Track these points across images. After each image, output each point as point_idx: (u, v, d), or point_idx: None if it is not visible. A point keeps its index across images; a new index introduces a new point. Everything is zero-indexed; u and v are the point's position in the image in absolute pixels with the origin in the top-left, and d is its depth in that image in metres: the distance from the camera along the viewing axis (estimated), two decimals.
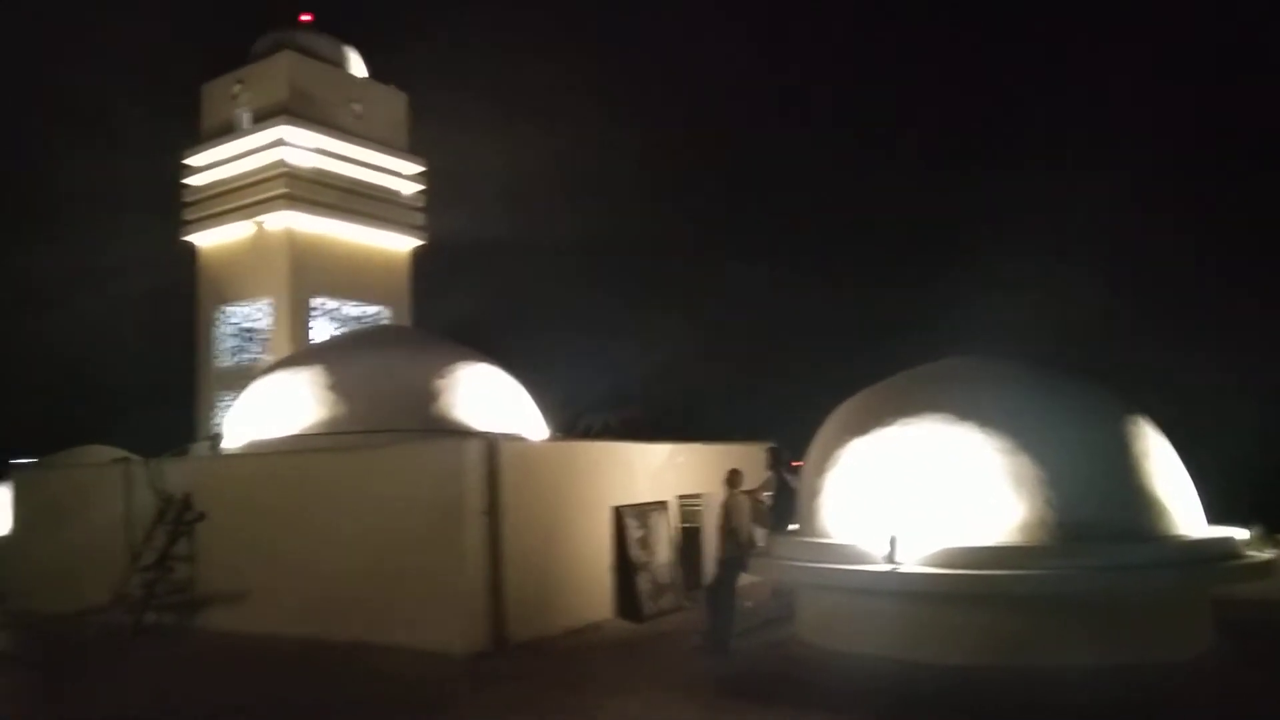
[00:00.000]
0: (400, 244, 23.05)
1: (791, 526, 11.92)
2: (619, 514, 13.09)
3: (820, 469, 10.97)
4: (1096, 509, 9.57)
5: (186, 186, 22.41)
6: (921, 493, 9.87)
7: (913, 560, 9.47)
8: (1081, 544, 9.33)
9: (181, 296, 23.11)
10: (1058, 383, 10.95)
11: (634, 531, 13.17)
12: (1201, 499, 10.64)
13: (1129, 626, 9.23)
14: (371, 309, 22.30)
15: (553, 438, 16.05)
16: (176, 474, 14.16)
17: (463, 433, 13.32)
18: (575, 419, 16.83)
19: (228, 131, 21.75)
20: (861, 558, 9.78)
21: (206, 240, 22.26)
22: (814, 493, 11.01)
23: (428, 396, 14.73)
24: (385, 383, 14.84)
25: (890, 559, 9.48)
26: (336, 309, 21.58)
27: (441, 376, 15.13)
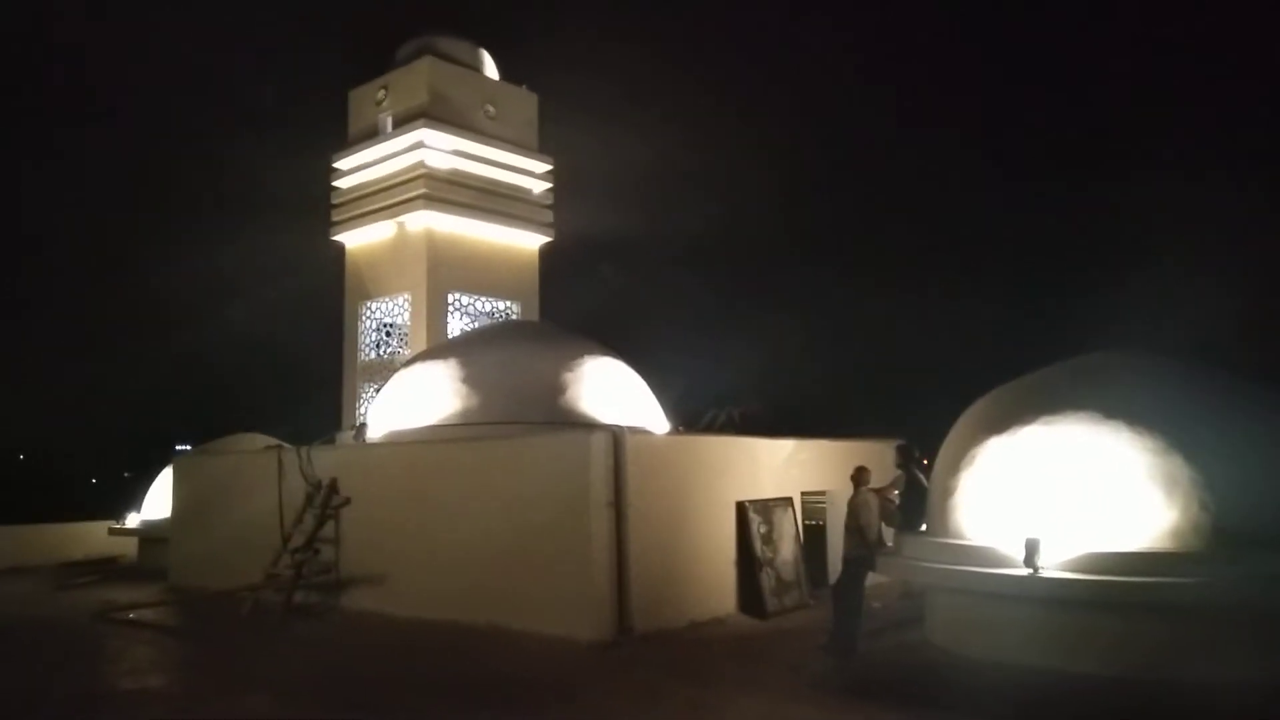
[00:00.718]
0: (529, 241, 23.57)
1: (921, 526, 11.58)
2: (742, 509, 13.03)
3: (955, 468, 10.61)
4: (1254, 513, 8.88)
5: (335, 189, 23.60)
6: (1063, 494, 9.41)
7: (1054, 565, 9.05)
8: (1238, 550, 8.68)
9: (329, 294, 24.39)
10: (1211, 379, 10.23)
11: (758, 527, 13.08)
12: None
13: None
14: (502, 304, 22.91)
15: (674, 431, 16.11)
16: (324, 461, 14.94)
17: (589, 425, 13.54)
18: (698, 413, 16.80)
19: (373, 135, 22.76)
20: (999, 560, 9.41)
21: (353, 240, 23.37)
22: (948, 492, 10.66)
23: (556, 389, 15.04)
24: (515, 376, 15.24)
25: (1030, 563, 9.08)
26: (470, 304, 22.29)
27: (569, 370, 15.43)
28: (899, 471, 12.47)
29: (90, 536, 22.69)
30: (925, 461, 12.69)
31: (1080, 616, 8.96)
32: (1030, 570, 9.10)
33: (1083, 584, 8.85)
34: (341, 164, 23.41)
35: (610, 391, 15.53)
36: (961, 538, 10.25)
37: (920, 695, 8.68)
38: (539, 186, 23.74)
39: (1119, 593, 8.70)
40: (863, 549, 10.68)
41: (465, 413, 14.97)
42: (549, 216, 23.87)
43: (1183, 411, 9.43)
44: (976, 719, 7.82)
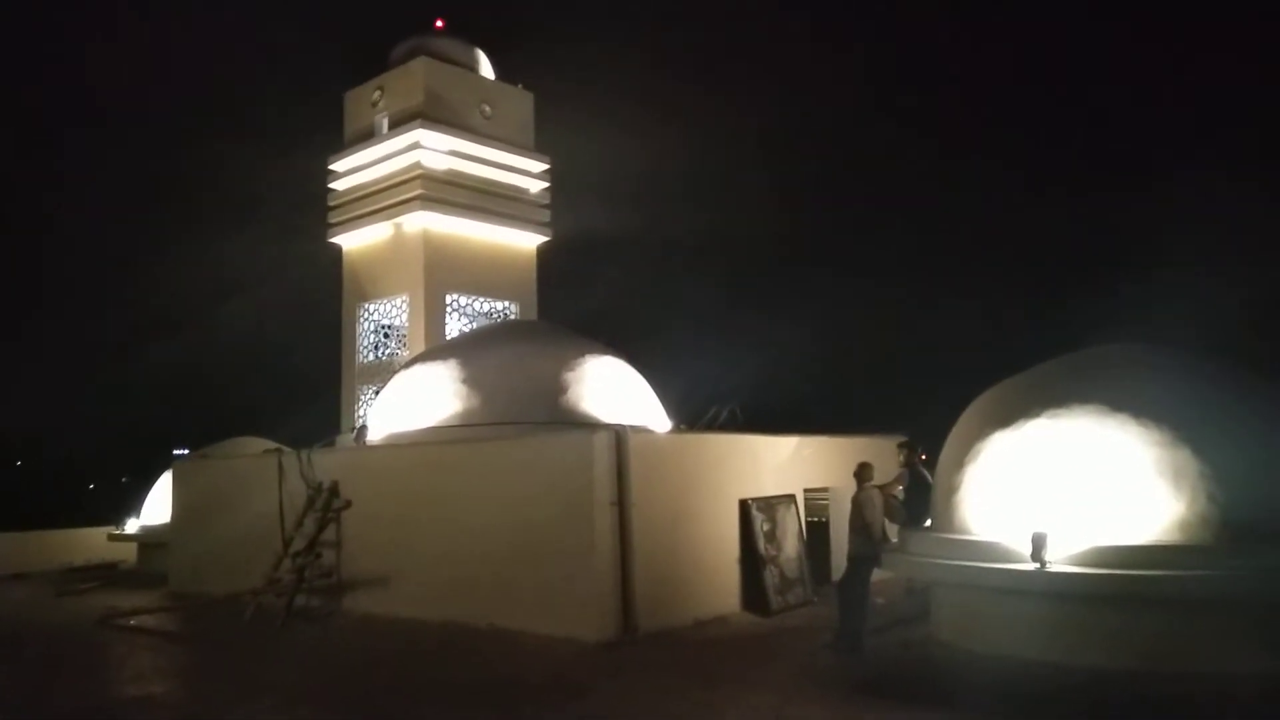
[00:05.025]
0: (527, 240, 23.54)
1: (926, 522, 11.54)
2: (746, 506, 12.98)
3: (959, 463, 10.57)
4: (1262, 505, 8.85)
5: (331, 191, 23.54)
6: (1070, 488, 9.38)
7: (1061, 559, 9.01)
8: (1245, 543, 8.65)
9: (327, 296, 24.35)
10: (1218, 372, 10.20)
11: (761, 524, 13.05)
12: None
13: None
14: (500, 304, 22.88)
15: (676, 429, 16.07)
16: (324, 464, 14.88)
17: (591, 424, 13.49)
18: (700, 411, 16.76)
19: (369, 136, 22.72)
20: (1005, 555, 9.37)
21: (350, 241, 23.32)
22: (952, 487, 10.62)
23: (557, 389, 14.99)
24: (516, 376, 15.18)
25: (1037, 557, 9.04)
26: (468, 305, 22.24)
27: (570, 369, 15.37)
28: (902, 468, 12.45)
29: (90, 542, 22.59)
30: (924, 457, 12.66)
31: (1087, 610, 8.93)
32: (1037, 565, 9.06)
33: (1090, 578, 8.82)
34: (338, 166, 23.36)
35: (611, 390, 15.48)
36: (967, 533, 10.22)
37: (928, 692, 8.64)
38: (536, 186, 23.70)
39: (1126, 586, 8.67)
40: (867, 546, 10.64)
41: (466, 414, 14.91)
42: (546, 216, 23.84)
43: (1189, 404, 9.39)
44: (985, 715, 7.77)
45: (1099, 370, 10.30)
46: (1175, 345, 10.85)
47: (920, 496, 11.81)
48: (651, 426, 15.40)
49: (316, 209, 24.20)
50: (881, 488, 11.25)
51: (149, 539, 20.80)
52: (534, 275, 23.70)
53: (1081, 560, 8.94)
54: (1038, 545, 9.07)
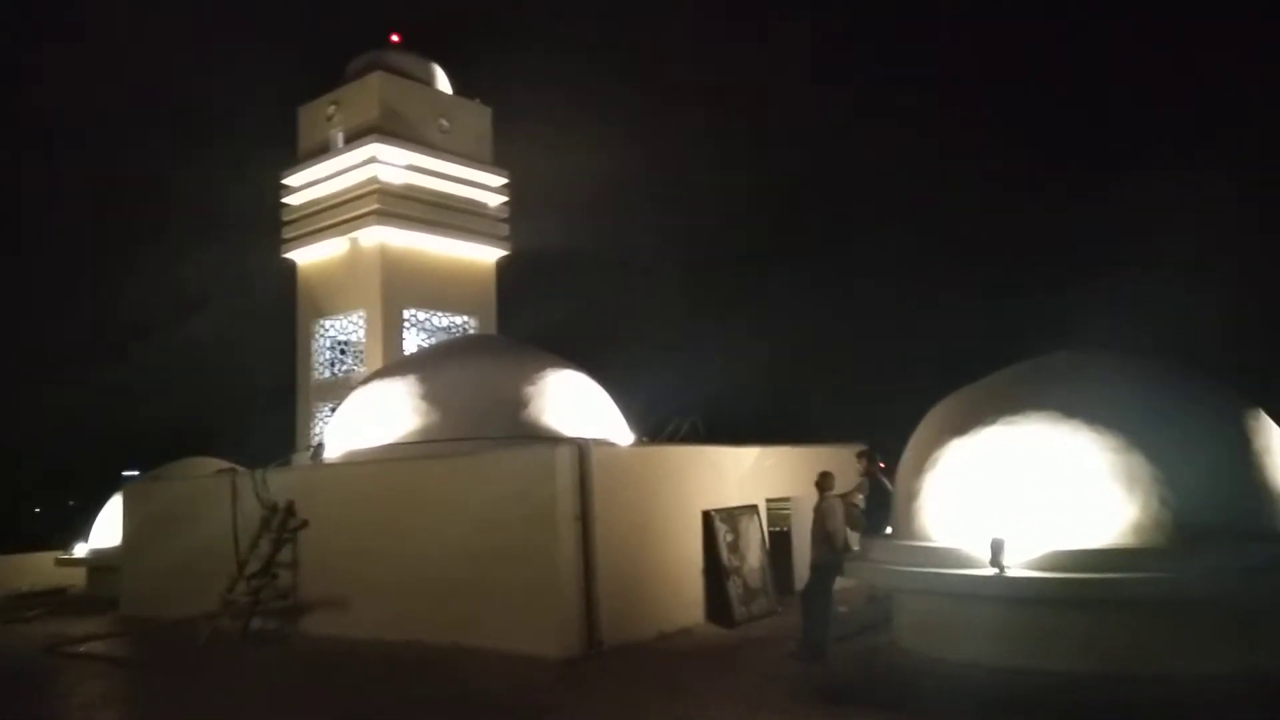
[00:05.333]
0: (486, 255, 23.44)
1: (886, 530, 11.64)
2: (709, 518, 13.00)
3: (918, 470, 10.67)
4: (1214, 508, 9.04)
5: (285, 206, 23.24)
6: (1026, 494, 9.50)
7: (1019, 564, 9.13)
8: (1198, 545, 8.83)
9: (281, 312, 23.98)
10: (1168, 377, 10.42)
11: (724, 535, 13.06)
12: None
13: (1251, 631, 8.70)
14: (459, 319, 22.72)
15: (638, 442, 16.05)
16: (280, 483, 14.62)
17: (553, 439, 13.43)
18: (661, 424, 16.79)
19: (323, 151, 22.47)
20: (965, 561, 9.46)
21: (305, 257, 23.02)
22: (912, 495, 10.72)
23: (518, 404, 14.91)
24: (476, 391, 15.08)
25: (995, 563, 9.15)
26: (426, 320, 22.05)
27: (530, 384, 15.30)
28: (862, 476, 12.56)
29: (36, 567, 21.99)
30: (883, 465, 12.78)
31: (1046, 614, 9.04)
32: (995, 570, 9.16)
33: (1047, 582, 8.93)
34: (292, 180, 23.09)
35: (573, 404, 15.44)
36: (926, 540, 10.30)
37: (892, 699, 8.69)
38: (495, 200, 23.62)
39: (1083, 590, 8.80)
40: (830, 554, 10.70)
41: (426, 430, 14.76)
42: (505, 230, 23.77)
43: (1141, 409, 9.57)
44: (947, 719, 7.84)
45: (1052, 377, 10.47)
46: (1127, 351, 11.07)
47: (880, 504, 11.90)
48: (614, 440, 15.37)
49: (270, 224, 23.90)
50: (843, 496, 11.33)
51: (99, 563, 20.27)
52: (493, 289, 23.59)
53: (1039, 565, 9.05)
54: (996, 551, 9.17)
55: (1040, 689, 8.43)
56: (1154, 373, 10.43)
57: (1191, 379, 10.42)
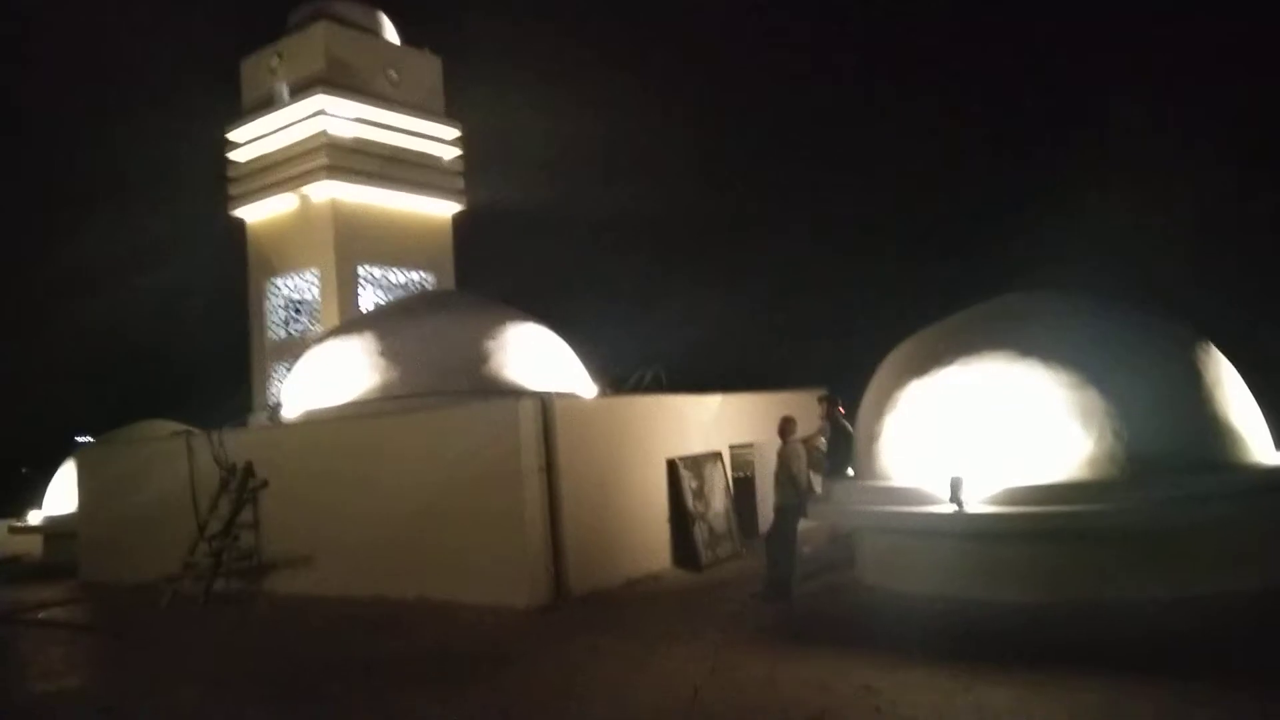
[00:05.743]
0: (441, 209, 23.04)
1: (848, 471, 11.81)
2: (674, 466, 13.08)
3: (878, 412, 10.82)
4: (1165, 440, 9.32)
5: (232, 162, 22.60)
6: (984, 432, 9.69)
7: (977, 500, 9.32)
8: (1150, 476, 9.09)
9: (232, 271, 23.42)
10: (1121, 315, 10.64)
11: (689, 482, 13.16)
12: (1271, 425, 10.33)
13: (1199, 558, 9.01)
14: (416, 275, 22.39)
15: (602, 393, 16.05)
16: (237, 444, 14.42)
17: (516, 392, 13.36)
18: (625, 375, 16.79)
19: (269, 105, 21.81)
20: (925, 499, 9.66)
21: (254, 214, 22.45)
22: (872, 436, 10.87)
23: (479, 358, 14.79)
24: (436, 346, 14.92)
25: (954, 500, 9.34)
26: (382, 277, 21.70)
27: (491, 338, 15.17)
28: (823, 420, 12.69)
29: None
30: (844, 409, 12.92)
31: (1004, 548, 9.28)
32: (955, 507, 9.36)
33: (1005, 517, 9.15)
34: (236, 135, 22.42)
35: (535, 357, 15.35)
36: (888, 480, 10.49)
37: (857, 634, 8.87)
38: (449, 153, 23.17)
39: (1039, 523, 9.04)
40: (793, 497, 10.84)
41: (385, 386, 14.60)
42: (460, 184, 23.35)
43: (1094, 347, 9.77)
44: (910, 652, 8.01)
45: (1008, 318, 10.64)
46: (1080, 290, 11.26)
47: (841, 447, 12.08)
48: (577, 392, 15.34)
49: (217, 181, 23.24)
50: (805, 440, 11.44)
51: (55, 530, 19.97)
52: (450, 245, 23.23)
53: (997, 500, 9.27)
54: (955, 488, 9.37)
55: (1001, 620, 8.67)
56: (1106, 311, 10.63)
57: (1143, 316, 10.64)
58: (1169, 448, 9.22)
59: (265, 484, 13.65)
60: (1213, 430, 9.62)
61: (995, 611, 8.88)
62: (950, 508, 9.38)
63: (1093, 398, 9.40)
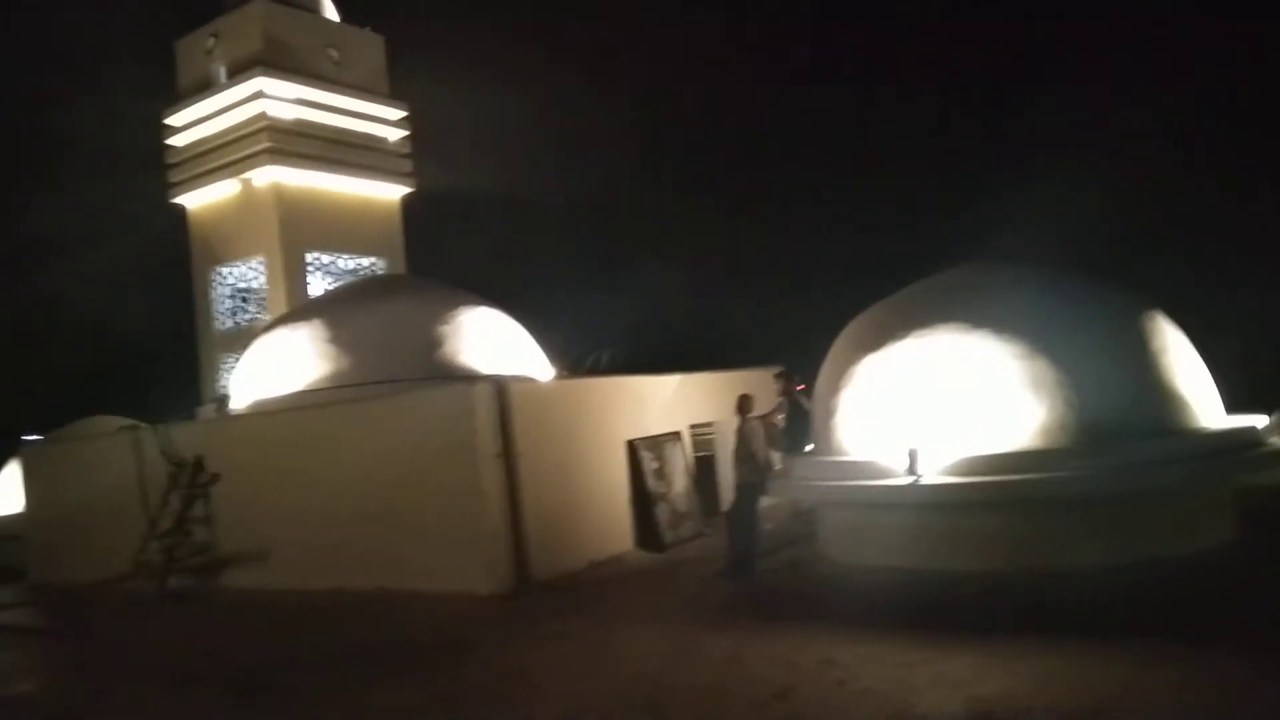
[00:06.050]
0: (390, 192, 22.69)
1: (807, 447, 11.88)
2: (634, 447, 13.05)
3: (834, 387, 10.87)
4: (1116, 407, 9.48)
5: (170, 147, 21.98)
6: (938, 404, 9.78)
7: (934, 471, 9.42)
8: (1102, 443, 9.26)
9: (175, 260, 22.84)
10: (1070, 285, 10.78)
11: (649, 463, 13.15)
12: (1219, 389, 10.57)
13: (1151, 522, 9.21)
14: (365, 261, 22.02)
15: (558, 377, 15.95)
16: (186, 438, 14.09)
17: (471, 377, 13.21)
18: (581, 357, 16.72)
19: (206, 88, 21.23)
20: (883, 472, 9.73)
21: (195, 200, 21.90)
22: (829, 412, 10.93)
23: (432, 344, 14.60)
24: (388, 332, 14.69)
25: (911, 471, 9.43)
26: (331, 263, 21.31)
27: (444, 323, 14.98)
28: (780, 397, 12.74)
29: None
30: (801, 386, 12.99)
31: (961, 518, 9.40)
32: (912, 478, 9.45)
33: (961, 487, 9.26)
34: (174, 120, 21.83)
35: (490, 342, 15.20)
36: (845, 454, 10.56)
37: (820, 609, 8.95)
38: (395, 134, 22.79)
39: (994, 492, 9.15)
40: (753, 474, 10.87)
41: (337, 375, 14.36)
42: (408, 166, 23.01)
43: (1045, 317, 9.90)
44: (872, 624, 8.10)
45: (960, 290, 10.73)
46: (1030, 262, 11.39)
47: (799, 423, 12.13)
48: (533, 375, 15.22)
49: (155, 167, 22.61)
50: (763, 418, 11.48)
51: (0, 532, 19.38)
52: (400, 229, 22.90)
53: (953, 471, 9.37)
54: (912, 460, 9.46)
55: (960, 589, 8.80)
56: (1056, 281, 10.77)
57: (1093, 285, 10.80)
58: (1121, 415, 9.39)
59: (216, 478, 13.37)
60: (1163, 396, 9.81)
61: (955, 581, 9.01)
62: (908, 479, 9.47)
63: (1044, 367, 9.53)
